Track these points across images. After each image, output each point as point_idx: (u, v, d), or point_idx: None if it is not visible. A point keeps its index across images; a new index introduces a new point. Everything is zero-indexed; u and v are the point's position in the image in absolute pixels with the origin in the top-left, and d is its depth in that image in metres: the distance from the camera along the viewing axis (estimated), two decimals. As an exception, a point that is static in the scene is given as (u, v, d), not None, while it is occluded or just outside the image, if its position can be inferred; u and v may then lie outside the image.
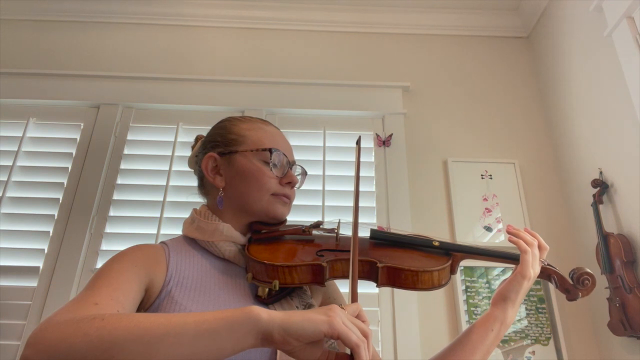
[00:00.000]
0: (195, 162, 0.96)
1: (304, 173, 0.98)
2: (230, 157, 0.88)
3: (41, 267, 1.76)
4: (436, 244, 0.85)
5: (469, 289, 1.80)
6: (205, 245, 0.84)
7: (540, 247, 0.86)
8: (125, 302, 0.66)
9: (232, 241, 0.84)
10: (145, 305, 0.74)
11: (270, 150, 0.87)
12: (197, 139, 1.00)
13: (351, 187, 1.95)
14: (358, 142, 0.91)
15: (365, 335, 0.58)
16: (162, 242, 0.84)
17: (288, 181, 0.89)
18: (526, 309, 1.79)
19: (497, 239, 1.90)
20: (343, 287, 1.02)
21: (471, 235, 1.91)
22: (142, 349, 0.53)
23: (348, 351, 0.58)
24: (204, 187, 0.94)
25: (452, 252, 0.84)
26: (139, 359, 0.52)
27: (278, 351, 0.71)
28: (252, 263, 0.79)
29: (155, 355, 0.53)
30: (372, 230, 0.87)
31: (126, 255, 0.75)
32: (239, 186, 0.86)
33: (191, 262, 0.80)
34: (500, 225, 1.93)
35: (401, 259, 0.80)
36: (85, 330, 0.53)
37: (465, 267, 1.83)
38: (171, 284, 0.75)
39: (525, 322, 1.77)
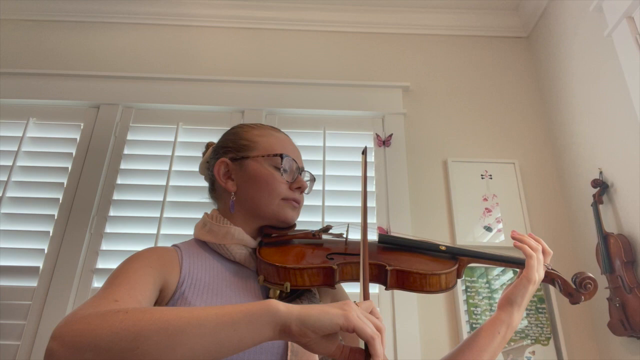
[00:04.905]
0: (207, 167, 0.99)
1: (313, 179, 1.02)
2: (242, 162, 0.91)
3: (41, 267, 1.75)
4: (443, 248, 0.87)
5: (469, 289, 1.80)
6: (216, 248, 0.86)
7: (544, 252, 0.89)
8: (143, 301, 0.68)
9: (243, 244, 0.86)
10: (159, 305, 0.75)
11: (281, 156, 0.90)
12: (208, 145, 1.03)
13: (351, 187, 1.95)
14: (364, 152, 0.92)
15: (379, 329, 0.59)
16: (174, 245, 0.86)
17: (298, 186, 0.92)
18: (526, 309, 1.79)
19: (497, 239, 1.90)
20: (350, 289, 1.02)
21: (471, 235, 1.91)
22: (165, 339, 0.54)
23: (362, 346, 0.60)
24: (215, 191, 0.96)
25: (458, 256, 0.87)
26: (163, 349, 0.54)
27: (289, 349, 0.73)
28: (263, 265, 0.80)
29: (179, 345, 0.54)
30: (380, 235, 0.90)
31: (141, 256, 0.77)
32: (251, 190, 0.89)
33: (203, 265, 0.82)
34: (501, 225, 1.93)
35: (409, 263, 0.82)
36: (110, 322, 0.55)
37: (466, 268, 1.83)
38: (184, 285, 0.77)
39: (525, 322, 1.77)
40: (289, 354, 0.73)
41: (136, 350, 0.53)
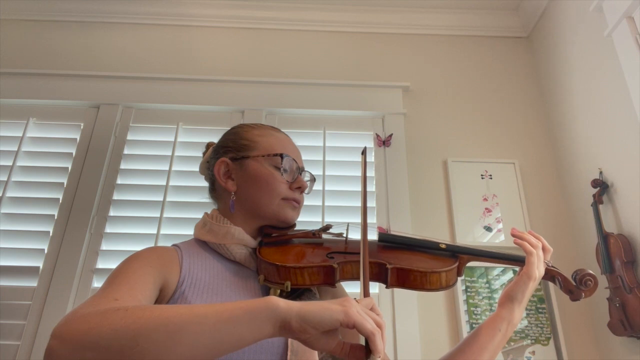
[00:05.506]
0: (207, 167, 0.99)
1: (313, 179, 1.02)
2: (242, 162, 0.91)
3: (41, 267, 1.75)
4: (443, 246, 0.88)
5: (469, 289, 1.80)
6: (216, 248, 0.86)
7: (544, 249, 0.90)
8: (143, 300, 0.68)
9: (243, 244, 0.86)
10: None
11: (281, 156, 0.90)
12: (208, 145, 1.03)
13: (351, 187, 1.95)
14: (364, 152, 0.93)
15: (379, 325, 0.59)
16: (174, 245, 0.86)
17: (298, 186, 0.92)
18: (526, 309, 1.79)
19: (497, 239, 1.90)
20: (350, 289, 1.02)
21: (471, 235, 1.91)
22: (165, 337, 0.54)
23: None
24: (215, 191, 0.96)
25: (458, 255, 0.87)
26: (163, 346, 0.54)
27: (289, 348, 0.73)
28: (264, 265, 0.81)
29: (179, 343, 0.54)
30: (380, 234, 0.90)
31: (141, 255, 0.77)
32: (251, 190, 0.89)
33: (203, 264, 0.82)
34: (501, 225, 1.93)
35: (410, 261, 0.82)
36: (110, 320, 0.55)
37: (466, 267, 1.83)
38: (184, 285, 0.77)
39: (525, 322, 1.77)
40: (288, 353, 0.73)
41: (136, 347, 0.53)
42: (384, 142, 2.07)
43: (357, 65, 2.30)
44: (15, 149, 1.95)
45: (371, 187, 2.00)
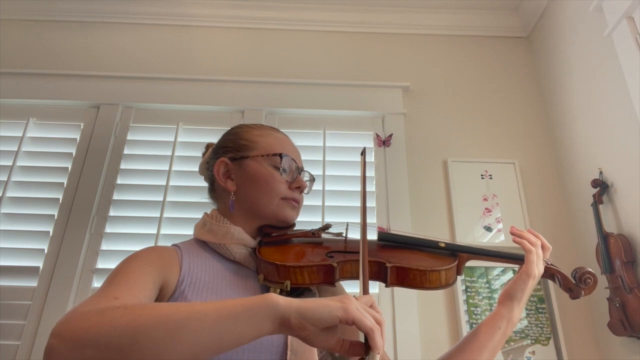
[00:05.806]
0: (207, 167, 0.99)
1: (312, 179, 1.02)
2: (241, 162, 0.91)
3: (41, 267, 1.75)
4: (442, 245, 0.87)
5: (469, 289, 1.80)
6: (216, 248, 0.86)
7: (543, 247, 0.89)
8: (142, 299, 0.68)
9: (242, 244, 0.86)
10: None
11: (280, 156, 0.90)
12: (208, 146, 1.03)
13: (351, 187, 1.96)
14: (363, 153, 0.93)
15: (378, 322, 0.59)
16: (174, 245, 0.86)
17: (297, 186, 0.92)
18: (526, 309, 1.79)
19: (497, 239, 1.90)
20: (351, 287, 1.02)
21: (471, 235, 1.91)
22: (165, 334, 0.54)
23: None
24: (214, 191, 0.96)
25: (458, 253, 0.87)
26: (162, 344, 0.54)
27: (289, 347, 0.73)
28: (263, 264, 0.81)
29: (179, 340, 0.54)
30: (380, 233, 0.90)
31: (141, 255, 0.77)
32: (250, 190, 0.89)
33: (203, 264, 0.83)
34: (501, 225, 1.93)
35: (409, 260, 0.82)
36: (110, 318, 0.55)
37: (465, 267, 1.81)
38: (184, 284, 0.77)
39: (525, 322, 1.77)
40: (288, 352, 0.73)
41: (136, 345, 0.53)
42: (384, 142, 2.07)
43: (357, 65, 2.30)
44: (15, 149, 1.95)
45: (371, 187, 2.00)
